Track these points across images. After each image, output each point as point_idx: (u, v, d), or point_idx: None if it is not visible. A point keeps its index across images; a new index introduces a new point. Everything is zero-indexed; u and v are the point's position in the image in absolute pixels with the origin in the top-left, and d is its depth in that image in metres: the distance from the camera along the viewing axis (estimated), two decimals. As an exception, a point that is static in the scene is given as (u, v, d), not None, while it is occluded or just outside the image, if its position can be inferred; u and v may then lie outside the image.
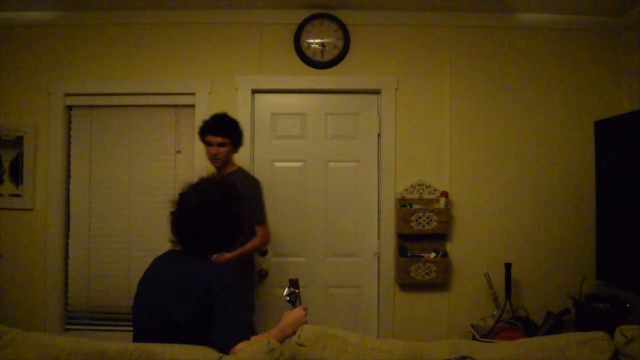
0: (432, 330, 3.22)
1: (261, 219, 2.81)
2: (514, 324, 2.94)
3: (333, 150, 3.32)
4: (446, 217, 3.16)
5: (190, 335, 1.62)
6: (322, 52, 3.26)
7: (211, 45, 3.28)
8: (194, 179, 1.94)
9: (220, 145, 2.75)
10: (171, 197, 1.85)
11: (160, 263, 1.84)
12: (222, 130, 2.76)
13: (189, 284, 1.67)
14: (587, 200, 3.16)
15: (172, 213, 1.81)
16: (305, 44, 3.25)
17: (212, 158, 2.78)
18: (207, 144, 2.77)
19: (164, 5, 3.20)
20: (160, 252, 1.89)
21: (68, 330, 3.27)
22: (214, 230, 1.76)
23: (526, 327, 2.94)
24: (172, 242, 2.28)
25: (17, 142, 3.26)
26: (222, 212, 1.77)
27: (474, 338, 2.88)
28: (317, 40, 3.25)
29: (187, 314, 1.64)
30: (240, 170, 2.87)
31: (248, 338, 1.60)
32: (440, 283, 3.19)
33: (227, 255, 2.54)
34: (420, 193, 3.24)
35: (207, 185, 1.82)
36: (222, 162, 2.79)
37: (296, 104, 3.34)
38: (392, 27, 3.29)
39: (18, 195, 3.26)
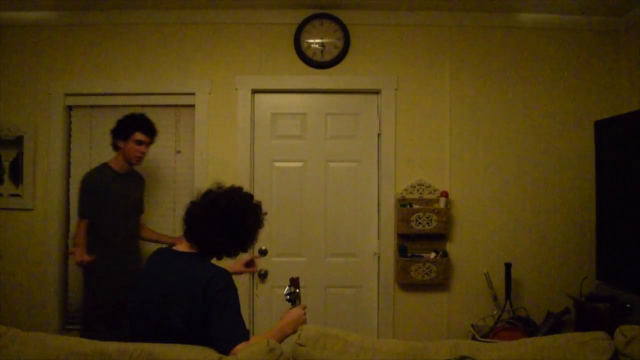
0: (432, 330, 3.22)
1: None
2: (514, 324, 2.94)
3: (333, 150, 3.32)
4: (446, 217, 3.16)
5: (188, 338, 1.61)
6: (322, 52, 3.26)
7: (211, 45, 3.28)
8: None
9: (147, 145, 2.87)
10: (196, 191, 1.88)
11: (156, 263, 1.83)
12: (154, 131, 2.89)
13: (186, 287, 1.66)
14: (587, 200, 3.16)
15: (188, 211, 1.81)
16: (305, 44, 3.25)
17: (139, 157, 2.85)
18: (138, 142, 2.81)
19: (164, 5, 3.20)
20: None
21: (68, 330, 3.26)
22: (230, 237, 1.77)
23: (526, 327, 2.94)
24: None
25: (17, 142, 3.26)
26: (240, 221, 1.78)
27: (474, 338, 2.88)
28: (317, 40, 3.25)
29: (184, 318, 1.63)
30: None
31: (247, 339, 1.60)
32: (440, 283, 3.19)
33: None
34: (420, 193, 3.23)
35: (234, 194, 1.84)
36: (140, 162, 2.90)
37: (296, 104, 3.34)
38: (392, 27, 3.29)
39: (18, 195, 3.26)
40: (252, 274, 3.25)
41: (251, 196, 1.89)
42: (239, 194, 1.86)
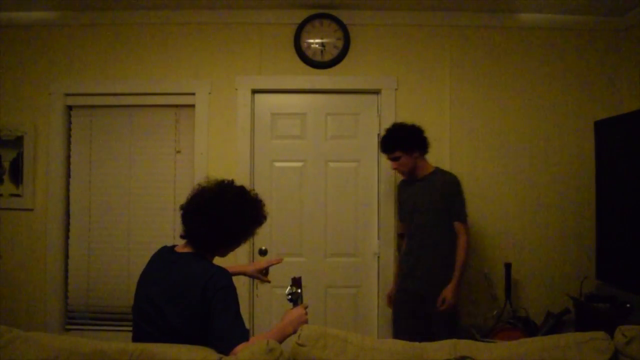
0: (432, 330, 3.22)
1: (460, 216, 2.77)
2: (514, 324, 2.93)
3: (333, 150, 3.32)
4: (446, 217, 3.16)
5: (188, 338, 1.61)
6: (322, 52, 3.26)
7: (211, 45, 3.28)
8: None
9: (394, 159, 2.82)
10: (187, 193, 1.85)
11: (156, 262, 1.82)
12: (390, 147, 2.82)
13: (184, 287, 1.66)
14: (587, 200, 3.16)
15: (182, 208, 1.81)
16: (305, 44, 3.25)
17: (395, 170, 2.89)
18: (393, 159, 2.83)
19: (165, 6, 3.20)
20: (161, 252, 1.89)
21: (68, 330, 3.27)
22: (218, 232, 1.75)
23: (526, 327, 2.94)
24: None
25: (17, 142, 3.26)
26: (226, 216, 1.76)
27: (474, 338, 2.88)
28: (317, 40, 3.25)
29: (183, 318, 1.63)
30: (436, 171, 2.88)
31: (247, 339, 1.59)
32: (440, 283, 3.18)
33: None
34: (420, 193, 3.23)
35: (224, 189, 1.83)
36: (407, 172, 2.86)
37: (296, 104, 3.34)
38: (392, 27, 3.29)
39: (18, 195, 3.26)
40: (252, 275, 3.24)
41: (241, 191, 1.86)
42: (230, 189, 1.83)
